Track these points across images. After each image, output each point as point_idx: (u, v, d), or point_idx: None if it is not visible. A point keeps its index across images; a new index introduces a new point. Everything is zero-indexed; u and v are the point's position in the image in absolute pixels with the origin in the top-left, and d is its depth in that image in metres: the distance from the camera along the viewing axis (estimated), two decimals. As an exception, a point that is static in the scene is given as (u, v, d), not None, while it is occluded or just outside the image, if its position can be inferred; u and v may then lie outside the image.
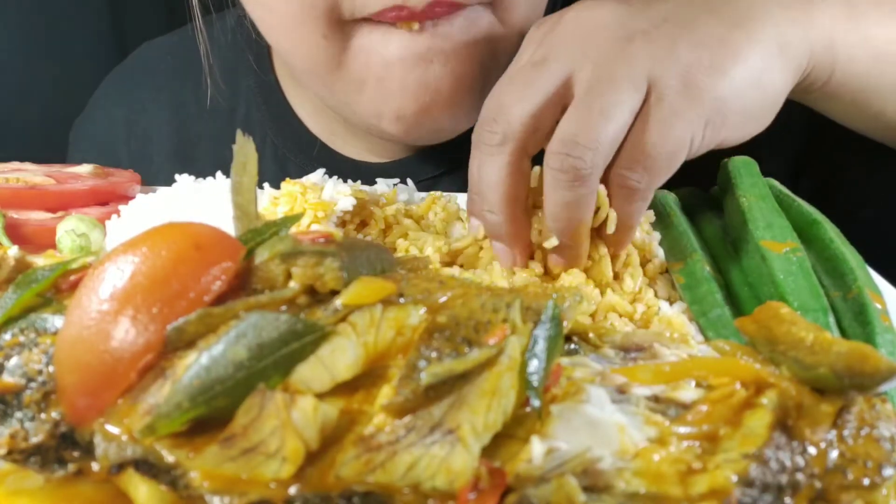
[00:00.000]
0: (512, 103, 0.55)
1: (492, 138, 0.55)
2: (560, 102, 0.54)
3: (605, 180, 0.54)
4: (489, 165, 0.55)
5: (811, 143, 0.87)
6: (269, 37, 0.77)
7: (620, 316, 0.56)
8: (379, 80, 0.71)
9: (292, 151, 0.93)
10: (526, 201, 0.57)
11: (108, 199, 0.72)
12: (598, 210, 0.55)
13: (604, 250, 0.58)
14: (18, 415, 0.35)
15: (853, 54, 0.63)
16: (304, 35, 0.70)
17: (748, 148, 0.87)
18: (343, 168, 0.88)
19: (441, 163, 0.89)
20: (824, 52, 0.61)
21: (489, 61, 0.72)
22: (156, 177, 0.98)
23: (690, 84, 0.53)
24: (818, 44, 0.60)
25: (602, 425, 0.31)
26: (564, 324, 0.36)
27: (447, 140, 0.80)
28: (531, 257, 0.59)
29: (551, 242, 0.55)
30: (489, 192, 0.56)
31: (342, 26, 0.69)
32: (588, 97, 0.53)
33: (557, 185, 0.52)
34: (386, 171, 0.88)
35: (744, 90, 0.55)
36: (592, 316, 0.56)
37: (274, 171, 0.92)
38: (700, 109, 0.53)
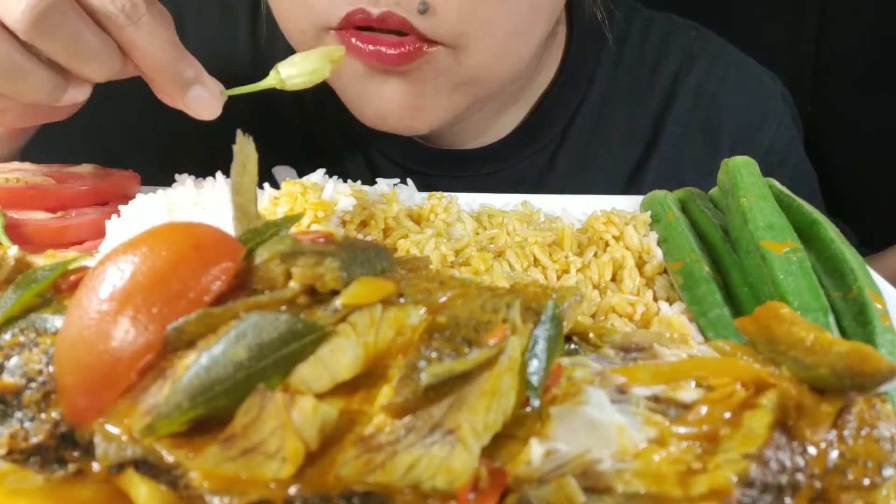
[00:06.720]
0: None
1: None
2: None
3: None
4: None
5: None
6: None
7: (620, 316, 0.56)
8: (343, 83, 0.76)
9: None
10: None
11: (108, 199, 0.72)
12: None
13: (606, 258, 0.59)
14: (18, 415, 0.35)
15: None
16: (288, 21, 0.75)
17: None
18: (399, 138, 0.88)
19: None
20: None
21: (446, 87, 0.73)
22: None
23: None
24: None
25: (602, 426, 0.31)
26: (564, 324, 0.35)
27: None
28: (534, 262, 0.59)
29: None
30: None
31: (316, 30, 0.71)
32: None
33: None
34: (447, 155, 0.91)
35: None
36: (592, 316, 0.56)
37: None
38: None
